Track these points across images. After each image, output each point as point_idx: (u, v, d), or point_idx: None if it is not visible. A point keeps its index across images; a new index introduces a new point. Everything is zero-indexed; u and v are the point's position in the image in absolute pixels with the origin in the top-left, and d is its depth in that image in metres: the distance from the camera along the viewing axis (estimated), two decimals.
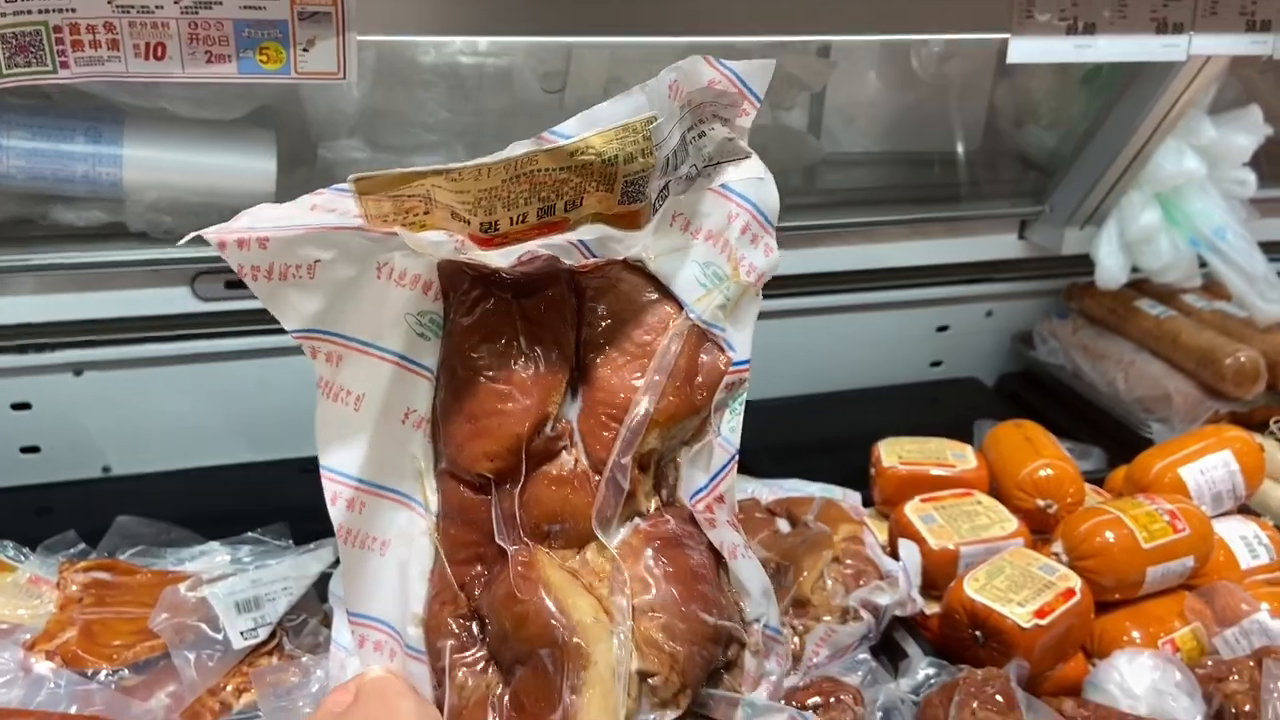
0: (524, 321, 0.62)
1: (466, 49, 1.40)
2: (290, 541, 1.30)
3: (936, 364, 1.99)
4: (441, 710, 0.61)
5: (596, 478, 0.61)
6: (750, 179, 0.67)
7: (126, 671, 1.10)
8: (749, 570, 0.64)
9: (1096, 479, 1.52)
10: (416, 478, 0.65)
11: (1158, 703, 1.11)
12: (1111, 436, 1.71)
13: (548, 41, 1.37)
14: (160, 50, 0.81)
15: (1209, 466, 1.41)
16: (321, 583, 1.22)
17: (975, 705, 1.04)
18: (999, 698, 1.05)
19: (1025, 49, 1.21)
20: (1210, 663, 1.15)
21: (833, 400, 1.84)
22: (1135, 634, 1.22)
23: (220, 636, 1.11)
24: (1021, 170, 1.88)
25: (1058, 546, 1.29)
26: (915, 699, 1.11)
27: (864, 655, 1.18)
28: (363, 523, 0.63)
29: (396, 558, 0.64)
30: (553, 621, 0.58)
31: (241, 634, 1.13)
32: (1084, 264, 1.81)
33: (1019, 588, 1.18)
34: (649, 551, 0.61)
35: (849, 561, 1.26)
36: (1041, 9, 1.19)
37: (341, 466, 0.63)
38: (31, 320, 1.41)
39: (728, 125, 0.66)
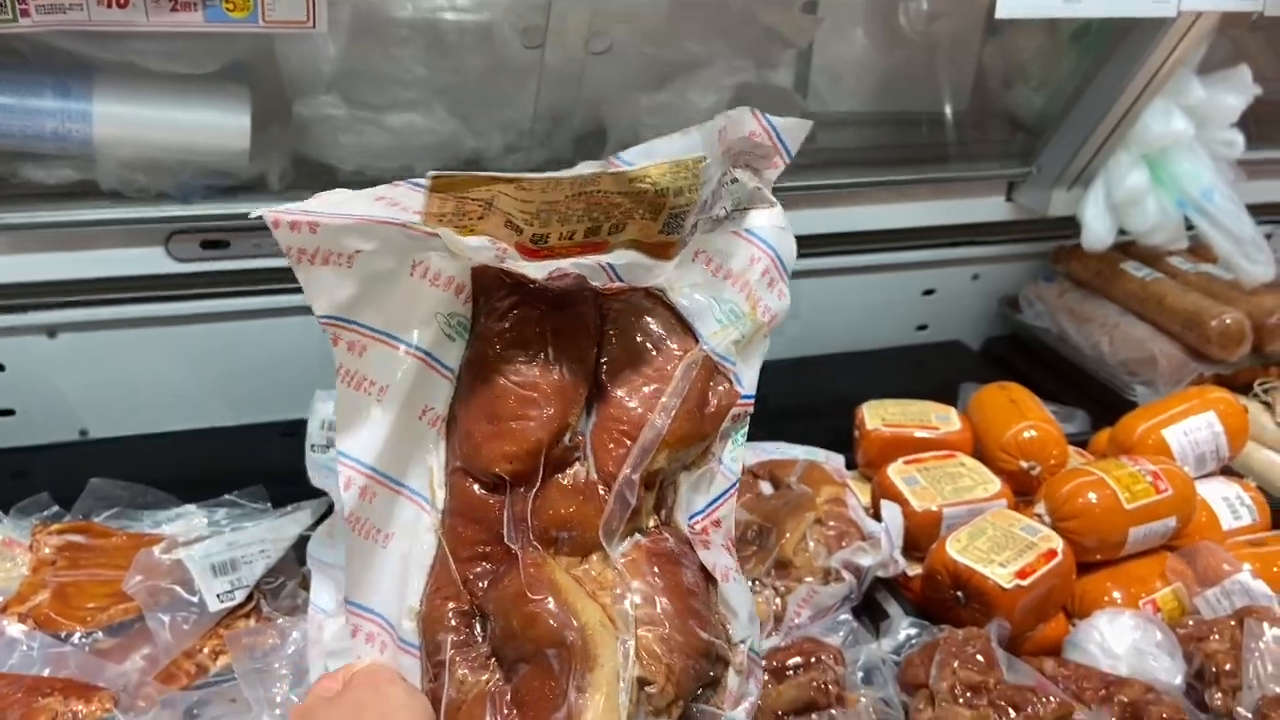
0: (553, 334, 0.64)
1: (445, 4, 1.37)
2: (268, 504, 1.29)
3: (922, 328, 1.98)
4: (437, 703, 0.63)
5: (604, 491, 0.64)
6: (774, 227, 0.71)
7: (100, 634, 1.09)
8: (738, 593, 0.66)
9: (1080, 442, 1.52)
10: (426, 474, 0.66)
11: (1138, 662, 1.11)
12: (1096, 400, 1.71)
13: None
14: None
15: (1193, 428, 1.41)
16: (300, 546, 1.21)
17: (956, 664, 1.04)
18: (980, 657, 1.04)
19: (1014, 3, 1.19)
20: (1191, 623, 1.15)
21: (817, 364, 1.83)
22: (1116, 594, 1.22)
23: (195, 599, 1.10)
24: (1009, 131, 1.86)
25: (1040, 507, 1.29)
26: (896, 659, 1.11)
27: (845, 616, 1.18)
28: (371, 512, 0.64)
29: (399, 551, 0.65)
30: (562, 622, 0.60)
31: (218, 596, 1.12)
32: (1070, 227, 1.80)
33: (1001, 549, 1.18)
34: (649, 566, 0.64)
35: (831, 523, 1.26)
36: None
37: (358, 454, 0.63)
38: (3, 281, 1.39)
39: (758, 175, 0.70)
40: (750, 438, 0.70)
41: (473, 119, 1.45)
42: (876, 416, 1.46)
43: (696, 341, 0.67)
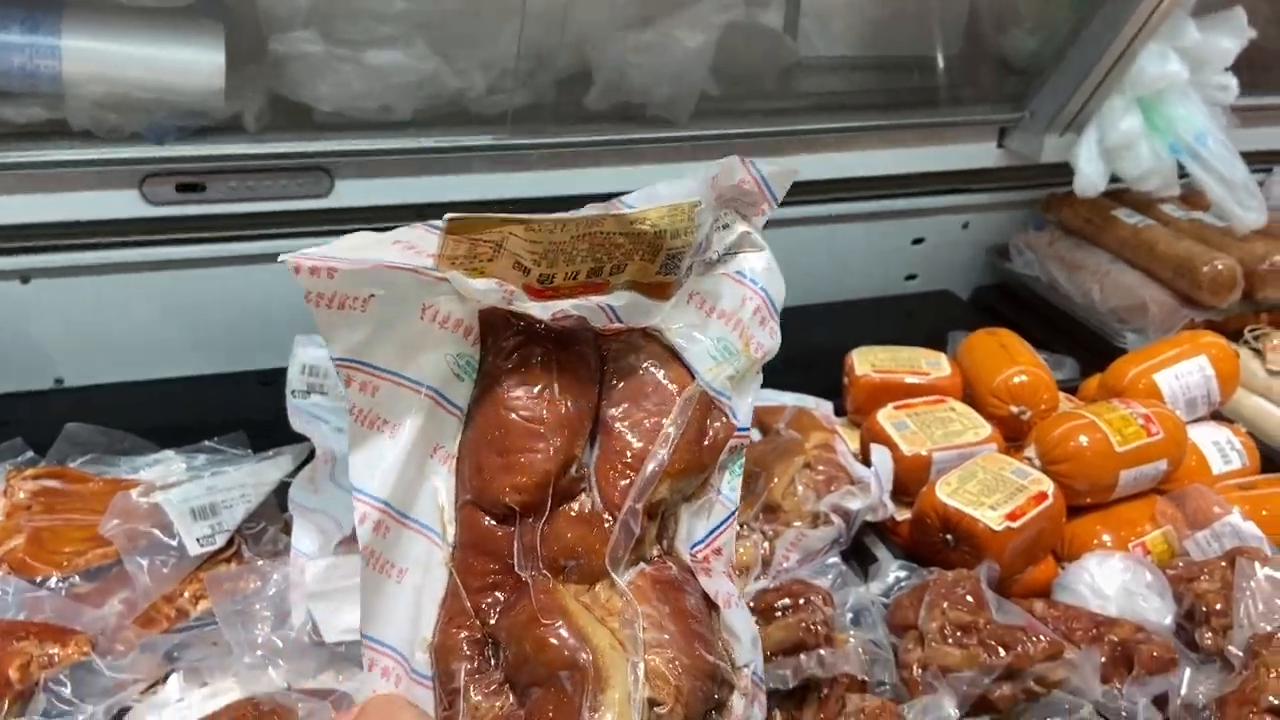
0: (558, 370, 0.68)
1: None
2: (248, 450, 1.27)
3: (911, 277, 1.96)
4: None
5: (609, 521, 0.66)
6: (764, 269, 0.75)
7: (78, 579, 1.07)
8: (740, 619, 0.69)
9: (1070, 388, 1.51)
10: (438, 511, 0.69)
11: (1128, 603, 1.10)
12: (1086, 347, 1.70)
13: None
14: None
15: (1184, 372, 1.40)
16: (281, 491, 1.19)
17: (945, 605, 1.03)
18: (969, 598, 1.04)
19: None
20: (1181, 564, 1.14)
21: (805, 314, 1.80)
22: (1106, 537, 1.21)
23: (175, 543, 1.08)
24: (1002, 75, 1.83)
25: (1031, 450, 1.28)
26: (885, 601, 1.10)
27: (834, 559, 1.17)
28: (385, 547, 0.67)
29: (412, 584, 0.68)
30: (573, 645, 0.62)
31: (198, 540, 1.10)
32: (1061, 174, 1.77)
33: (991, 491, 1.17)
34: (654, 593, 0.66)
35: (820, 468, 1.24)
36: None
37: (373, 490, 0.66)
38: None
39: (746, 221, 0.74)
40: None
41: (454, 57, 1.41)
42: (866, 363, 1.45)
43: (693, 378, 0.70)
